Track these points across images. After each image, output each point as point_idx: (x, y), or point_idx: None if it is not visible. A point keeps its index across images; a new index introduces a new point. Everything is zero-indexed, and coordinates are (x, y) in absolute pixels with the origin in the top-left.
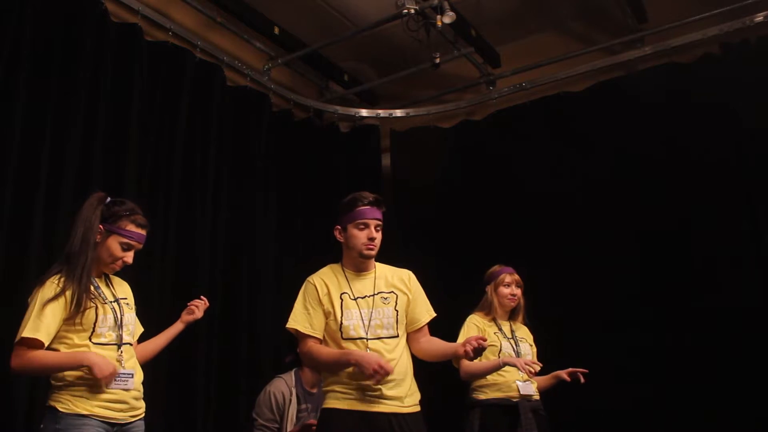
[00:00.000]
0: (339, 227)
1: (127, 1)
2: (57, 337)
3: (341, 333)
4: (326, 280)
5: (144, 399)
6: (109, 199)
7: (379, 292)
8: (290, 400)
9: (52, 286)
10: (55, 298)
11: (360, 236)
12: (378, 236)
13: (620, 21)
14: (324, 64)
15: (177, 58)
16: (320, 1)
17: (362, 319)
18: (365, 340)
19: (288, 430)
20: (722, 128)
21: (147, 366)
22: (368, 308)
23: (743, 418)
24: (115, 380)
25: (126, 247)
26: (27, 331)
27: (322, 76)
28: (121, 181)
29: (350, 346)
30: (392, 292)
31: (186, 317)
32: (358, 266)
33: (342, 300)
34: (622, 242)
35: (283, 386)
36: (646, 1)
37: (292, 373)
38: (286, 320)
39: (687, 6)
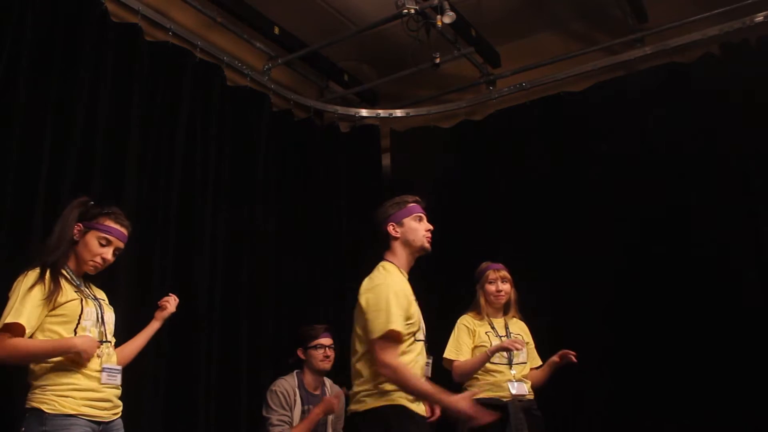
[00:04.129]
0: (393, 223)
1: (127, 1)
2: (41, 329)
3: (415, 335)
4: (405, 285)
5: (145, 398)
6: (92, 202)
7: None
8: (295, 400)
9: (33, 275)
10: (35, 285)
11: (420, 227)
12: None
13: (620, 21)
14: (324, 64)
15: (177, 58)
16: (320, 1)
17: (421, 323)
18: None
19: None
20: (722, 128)
21: (149, 365)
22: (419, 312)
23: (743, 418)
24: (108, 376)
25: (104, 243)
26: (10, 317)
27: (322, 76)
28: (121, 181)
29: (416, 348)
30: None
31: (160, 314)
32: (409, 266)
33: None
34: (621, 241)
35: (287, 385)
36: (646, 1)
37: (294, 374)
38: (287, 319)
39: (687, 6)
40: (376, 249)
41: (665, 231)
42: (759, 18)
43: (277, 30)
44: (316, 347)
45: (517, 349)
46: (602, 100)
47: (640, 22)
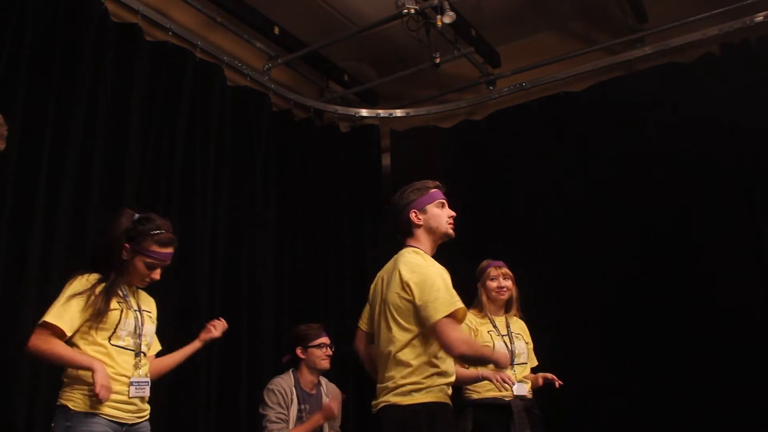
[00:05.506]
0: (415, 210)
1: (127, 1)
2: (78, 332)
3: None
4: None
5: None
6: (137, 216)
7: None
8: (292, 399)
9: (82, 281)
10: (83, 294)
11: (443, 214)
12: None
13: (620, 21)
14: (324, 64)
15: (177, 58)
16: (320, 1)
17: None
18: None
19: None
20: (722, 128)
21: None
22: None
23: (742, 418)
24: (136, 390)
25: (151, 267)
26: (51, 317)
27: (322, 76)
28: (121, 181)
29: None
30: None
31: (204, 336)
32: (433, 252)
33: None
34: (621, 241)
35: (284, 384)
36: (646, 1)
37: (290, 373)
38: (287, 319)
39: (687, 6)
40: (395, 235)
41: (665, 231)
42: (759, 18)
43: (277, 30)
44: (319, 346)
45: (505, 388)
46: (602, 100)
47: (640, 22)
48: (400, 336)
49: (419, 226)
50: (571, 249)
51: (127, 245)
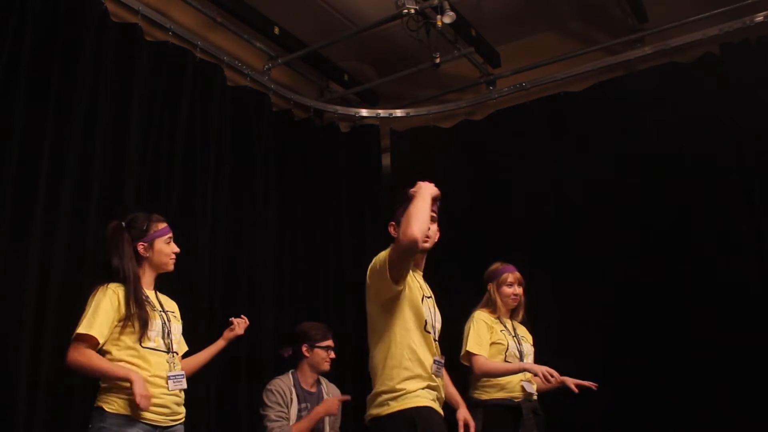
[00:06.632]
0: (393, 223)
1: (127, 1)
2: (109, 339)
3: (425, 326)
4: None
5: None
6: (124, 223)
7: (431, 296)
8: (291, 399)
9: (106, 291)
10: (109, 301)
11: None
12: (433, 228)
13: (620, 21)
14: (324, 64)
15: (177, 58)
16: (320, 1)
17: (433, 320)
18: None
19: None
20: (722, 128)
21: None
22: (431, 309)
23: (742, 418)
24: (174, 383)
25: (169, 241)
26: (83, 328)
27: (322, 76)
28: (121, 181)
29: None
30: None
31: (228, 334)
32: (417, 262)
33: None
34: (621, 242)
35: (283, 384)
36: (646, 1)
37: (289, 374)
38: (287, 320)
39: (687, 6)
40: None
41: (665, 231)
42: (759, 18)
43: (277, 30)
44: (326, 348)
45: (551, 382)
46: (602, 100)
47: (640, 22)
48: (372, 343)
49: (395, 238)
50: (571, 249)
51: (141, 244)
